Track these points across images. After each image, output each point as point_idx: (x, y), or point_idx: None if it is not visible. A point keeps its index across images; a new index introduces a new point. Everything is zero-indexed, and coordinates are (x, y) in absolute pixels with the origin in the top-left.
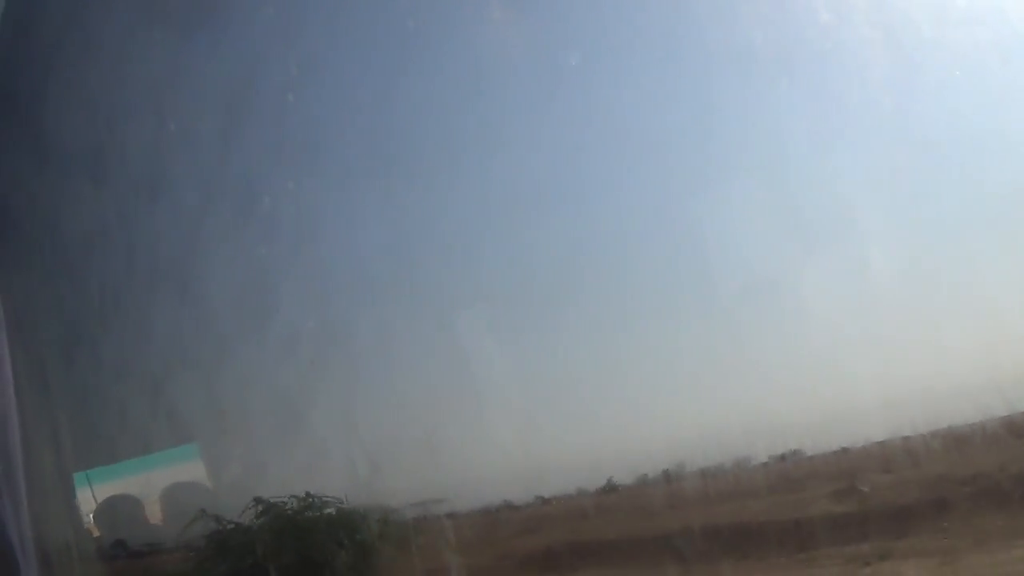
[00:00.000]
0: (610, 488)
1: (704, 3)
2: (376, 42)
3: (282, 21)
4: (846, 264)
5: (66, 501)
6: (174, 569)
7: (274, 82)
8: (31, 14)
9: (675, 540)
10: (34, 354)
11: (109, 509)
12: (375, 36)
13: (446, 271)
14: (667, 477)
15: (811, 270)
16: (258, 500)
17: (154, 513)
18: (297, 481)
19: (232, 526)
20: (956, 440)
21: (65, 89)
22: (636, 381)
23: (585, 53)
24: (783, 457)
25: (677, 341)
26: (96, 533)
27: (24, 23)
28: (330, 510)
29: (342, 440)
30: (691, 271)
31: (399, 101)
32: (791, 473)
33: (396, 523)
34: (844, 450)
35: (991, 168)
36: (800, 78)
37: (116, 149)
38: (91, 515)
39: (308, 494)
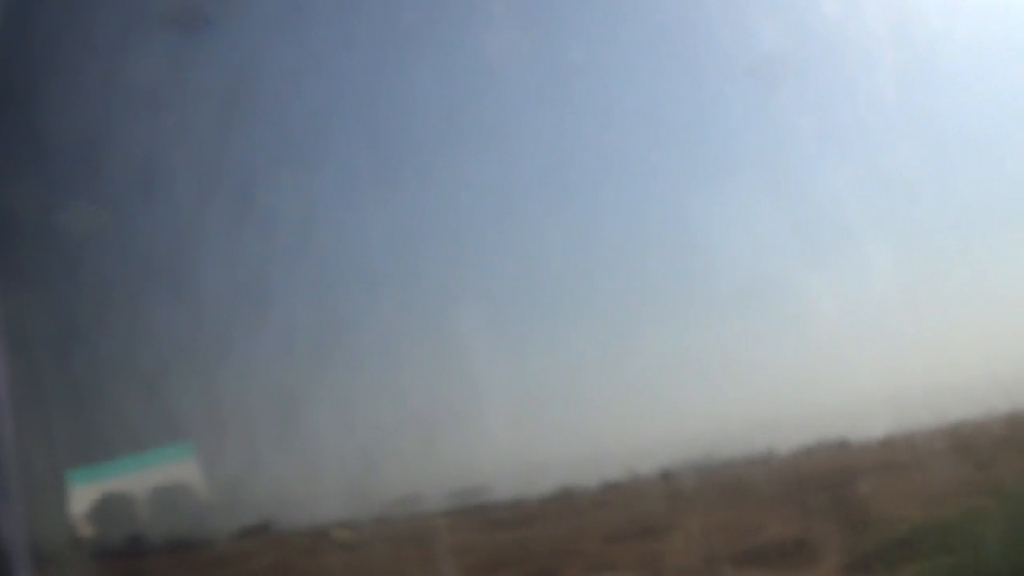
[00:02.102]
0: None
1: None
2: (376, 35)
3: (281, 13)
4: (854, 260)
5: (61, 500)
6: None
7: (271, 75)
8: (25, 14)
9: None
10: (27, 351)
11: (109, 506)
12: (375, 29)
13: (447, 267)
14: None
15: (819, 267)
16: None
17: (152, 510)
18: (294, 478)
19: None
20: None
21: (60, 85)
22: (635, 377)
23: (589, 49)
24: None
25: (679, 338)
26: (96, 531)
27: (19, 23)
28: None
29: (340, 437)
30: (695, 268)
31: (399, 95)
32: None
33: None
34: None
35: (1002, 164)
36: (808, 74)
37: (112, 145)
38: (89, 513)
39: None
